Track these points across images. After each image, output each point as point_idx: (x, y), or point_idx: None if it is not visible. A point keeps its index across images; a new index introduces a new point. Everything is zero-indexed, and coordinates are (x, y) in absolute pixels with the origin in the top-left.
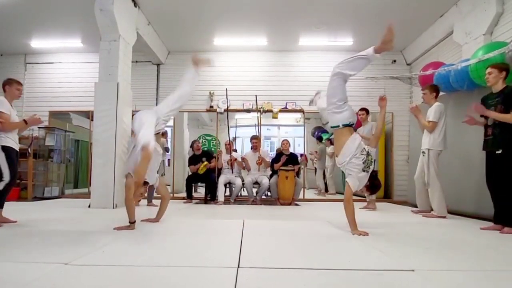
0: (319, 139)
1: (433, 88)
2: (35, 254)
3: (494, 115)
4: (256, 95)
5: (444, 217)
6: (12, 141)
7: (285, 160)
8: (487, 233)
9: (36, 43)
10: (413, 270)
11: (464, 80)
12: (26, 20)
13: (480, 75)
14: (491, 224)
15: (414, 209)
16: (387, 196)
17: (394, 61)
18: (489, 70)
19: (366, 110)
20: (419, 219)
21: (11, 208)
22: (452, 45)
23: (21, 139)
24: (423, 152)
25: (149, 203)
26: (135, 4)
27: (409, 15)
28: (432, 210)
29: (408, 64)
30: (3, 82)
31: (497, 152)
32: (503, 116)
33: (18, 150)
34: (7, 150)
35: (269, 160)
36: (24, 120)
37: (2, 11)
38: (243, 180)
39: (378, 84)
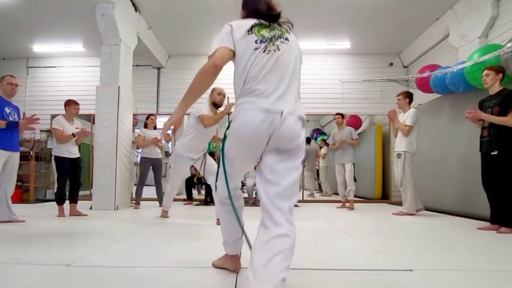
0: (307, 140)
1: (407, 94)
2: (37, 256)
3: (491, 118)
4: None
5: (413, 214)
6: None
7: None
8: (484, 233)
9: (38, 47)
10: (411, 270)
11: (460, 82)
12: (28, 25)
13: (475, 77)
14: (487, 224)
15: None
16: (385, 197)
17: (391, 64)
18: (486, 72)
19: (341, 115)
20: (417, 220)
21: (14, 211)
22: (448, 48)
23: (23, 142)
24: (398, 154)
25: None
26: (136, 9)
27: (405, 19)
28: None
29: (404, 67)
30: None
31: (492, 153)
32: (499, 119)
33: None
34: None
35: None
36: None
37: (4, 16)
38: (243, 183)
39: (375, 86)
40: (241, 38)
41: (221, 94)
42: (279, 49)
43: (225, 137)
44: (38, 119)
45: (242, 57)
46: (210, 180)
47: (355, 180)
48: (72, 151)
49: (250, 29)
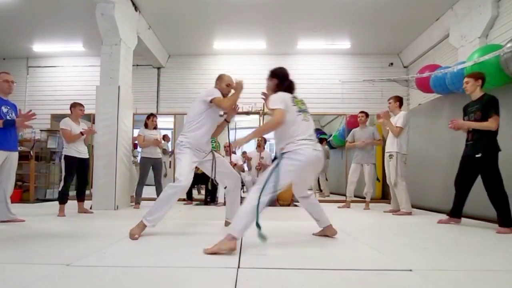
0: (320, 141)
1: (397, 98)
2: (36, 255)
3: (471, 125)
4: (255, 103)
5: (411, 213)
6: None
7: None
8: (484, 233)
9: (38, 47)
10: (411, 270)
11: (460, 82)
12: (28, 24)
13: None
14: (485, 222)
15: (386, 209)
16: (385, 197)
17: (391, 64)
18: (466, 79)
19: (366, 114)
20: (415, 220)
21: (13, 210)
22: (448, 48)
23: (23, 142)
24: (390, 155)
25: None
26: (136, 9)
27: (405, 19)
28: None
29: (405, 67)
30: None
31: (476, 155)
32: (479, 125)
33: None
34: None
35: (269, 163)
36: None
37: (4, 15)
38: (242, 182)
39: (375, 86)
40: (289, 107)
41: (230, 85)
42: (308, 120)
43: (282, 157)
44: (34, 114)
45: (291, 120)
46: (227, 183)
47: (378, 180)
48: (81, 151)
49: (292, 102)
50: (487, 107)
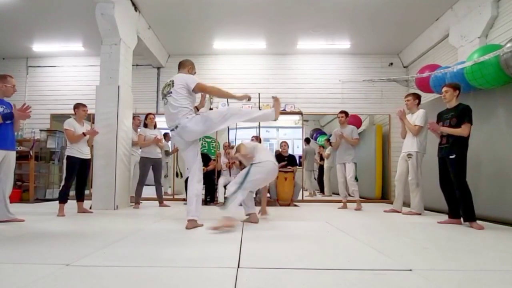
0: (307, 140)
1: (416, 96)
2: (36, 255)
3: (448, 130)
4: (259, 93)
5: (420, 214)
6: None
7: (284, 164)
8: (483, 233)
9: (37, 47)
10: (410, 270)
11: (460, 82)
12: (28, 24)
13: (475, 77)
14: (482, 222)
15: (387, 209)
16: (385, 197)
17: (391, 63)
18: (445, 89)
19: (345, 113)
20: (415, 220)
21: (13, 210)
22: (448, 48)
23: (22, 142)
24: (409, 154)
25: (161, 203)
26: (136, 9)
27: (405, 19)
28: (401, 209)
29: (404, 67)
30: None
31: (450, 157)
32: (453, 131)
33: None
34: None
35: None
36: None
37: (4, 15)
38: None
39: (375, 86)
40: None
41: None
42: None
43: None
44: (29, 107)
45: None
46: None
47: (356, 180)
48: (83, 152)
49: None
50: (462, 115)
